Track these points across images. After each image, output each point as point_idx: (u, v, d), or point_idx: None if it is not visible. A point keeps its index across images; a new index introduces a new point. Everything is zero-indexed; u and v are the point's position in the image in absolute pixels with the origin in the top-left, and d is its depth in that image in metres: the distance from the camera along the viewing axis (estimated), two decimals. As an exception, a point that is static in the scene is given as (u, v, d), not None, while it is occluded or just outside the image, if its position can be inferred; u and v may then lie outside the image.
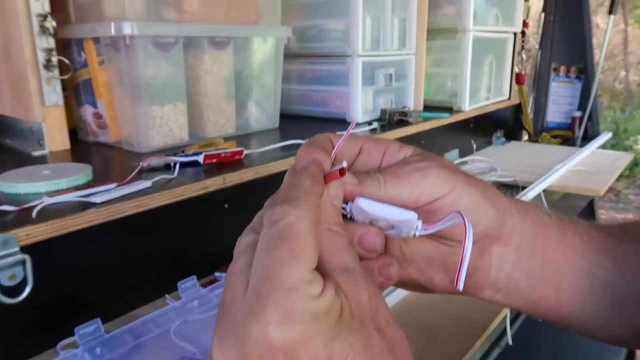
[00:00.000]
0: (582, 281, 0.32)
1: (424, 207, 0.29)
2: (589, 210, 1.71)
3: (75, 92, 0.91)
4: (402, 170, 0.29)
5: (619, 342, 0.33)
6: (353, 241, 0.28)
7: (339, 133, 0.30)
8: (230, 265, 0.26)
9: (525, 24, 1.64)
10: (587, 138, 1.69)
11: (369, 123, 1.12)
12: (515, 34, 1.62)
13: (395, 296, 0.62)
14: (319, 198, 0.26)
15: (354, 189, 0.28)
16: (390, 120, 1.15)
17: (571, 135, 1.73)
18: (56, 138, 0.84)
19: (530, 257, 0.32)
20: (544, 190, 1.11)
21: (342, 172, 0.26)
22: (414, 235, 0.28)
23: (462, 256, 0.26)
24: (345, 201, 0.28)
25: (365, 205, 0.28)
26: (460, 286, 0.26)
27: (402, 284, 0.33)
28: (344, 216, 0.28)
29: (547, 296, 0.32)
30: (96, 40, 0.83)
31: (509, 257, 0.32)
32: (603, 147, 1.60)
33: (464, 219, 0.26)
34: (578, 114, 1.72)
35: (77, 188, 0.61)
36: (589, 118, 1.71)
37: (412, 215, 0.28)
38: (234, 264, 0.26)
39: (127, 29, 0.75)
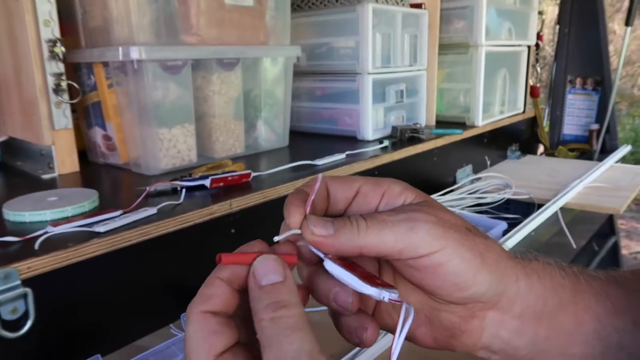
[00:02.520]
0: (593, 347, 0.29)
1: (407, 262, 0.27)
2: (608, 224, 1.67)
3: (85, 114, 0.92)
4: (391, 217, 0.27)
5: None
6: (328, 297, 0.28)
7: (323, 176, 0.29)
8: None
9: (539, 37, 1.62)
10: (605, 151, 1.65)
11: (380, 141, 1.10)
12: (529, 46, 1.59)
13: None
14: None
15: (323, 241, 0.27)
16: (402, 137, 1.13)
17: (589, 148, 1.70)
18: (66, 161, 0.84)
19: (535, 324, 0.29)
20: (562, 208, 1.08)
21: (218, 259, 0.26)
22: (384, 300, 0.26)
23: (393, 338, 0.25)
24: (324, 253, 0.27)
25: (330, 268, 0.27)
26: None
27: (386, 329, 0.31)
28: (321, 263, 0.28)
29: None
30: (105, 64, 0.84)
31: (507, 325, 0.29)
32: (622, 158, 1.56)
33: (402, 310, 0.25)
34: (595, 126, 1.69)
35: (83, 216, 0.61)
36: (607, 131, 1.67)
37: (372, 291, 0.26)
38: None
39: (135, 53, 0.75)
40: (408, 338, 0.30)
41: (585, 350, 0.29)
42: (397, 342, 0.25)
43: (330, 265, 0.27)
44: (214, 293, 0.26)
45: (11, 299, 0.48)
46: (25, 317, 0.49)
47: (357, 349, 0.56)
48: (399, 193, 0.29)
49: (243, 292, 0.27)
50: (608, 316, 0.29)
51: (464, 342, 0.30)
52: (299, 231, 0.27)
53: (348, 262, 0.28)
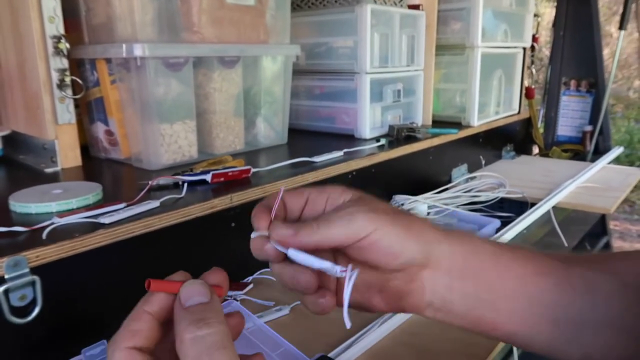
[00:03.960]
0: (518, 301, 0.34)
1: (355, 244, 0.33)
2: (601, 224, 1.70)
3: (88, 110, 0.93)
4: (333, 215, 0.34)
5: None
6: (293, 282, 0.34)
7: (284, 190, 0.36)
8: None
9: (535, 39, 1.64)
10: (599, 152, 1.68)
11: (377, 139, 1.12)
12: (524, 48, 1.62)
13: (398, 319, 0.62)
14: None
15: (287, 239, 0.33)
16: (399, 136, 1.15)
17: (582, 149, 1.72)
18: (68, 155, 0.86)
19: (461, 280, 0.35)
20: (555, 207, 1.11)
21: (147, 284, 0.30)
22: (337, 274, 0.33)
23: (343, 299, 0.32)
24: (286, 248, 0.34)
25: (293, 255, 0.33)
26: (347, 324, 0.33)
27: (349, 306, 0.36)
28: (287, 258, 0.34)
29: (484, 315, 0.35)
30: (108, 60, 0.85)
31: (440, 281, 0.35)
32: (617, 159, 1.58)
33: (347, 273, 0.33)
34: (589, 128, 1.71)
35: (87, 208, 0.62)
36: (600, 132, 1.70)
37: (328, 266, 0.33)
38: None
39: (139, 50, 0.77)
40: (367, 308, 0.37)
41: (511, 305, 0.34)
42: (347, 291, 0.32)
43: (292, 253, 0.33)
44: (141, 327, 0.28)
45: (20, 286, 0.49)
46: (33, 304, 0.51)
47: (349, 341, 0.58)
48: (339, 195, 0.36)
49: (168, 325, 0.29)
50: (528, 276, 0.34)
51: (411, 303, 0.36)
52: (266, 233, 0.34)
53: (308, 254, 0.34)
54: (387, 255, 0.33)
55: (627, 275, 0.34)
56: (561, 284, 0.34)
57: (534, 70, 1.71)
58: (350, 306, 0.33)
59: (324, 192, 0.36)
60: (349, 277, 0.32)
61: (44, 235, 0.54)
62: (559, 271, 0.34)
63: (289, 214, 0.37)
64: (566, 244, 0.97)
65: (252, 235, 0.35)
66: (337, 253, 0.36)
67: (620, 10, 1.61)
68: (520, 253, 0.35)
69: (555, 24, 1.77)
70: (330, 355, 0.55)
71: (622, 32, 1.56)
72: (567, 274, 0.34)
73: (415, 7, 1.26)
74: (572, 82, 1.75)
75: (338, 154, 0.97)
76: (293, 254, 0.33)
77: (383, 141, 1.11)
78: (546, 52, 2.31)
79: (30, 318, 0.51)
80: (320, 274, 0.34)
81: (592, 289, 0.33)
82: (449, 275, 0.35)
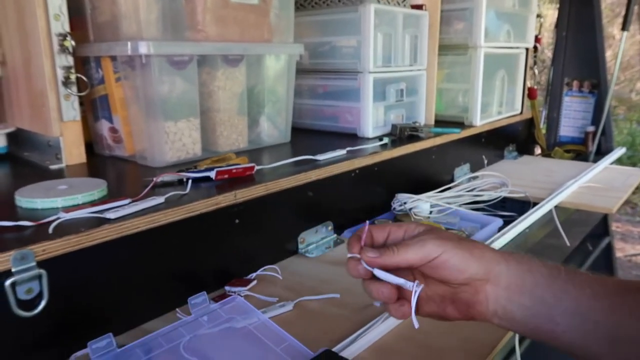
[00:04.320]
0: (574, 319, 0.39)
1: (427, 264, 0.43)
2: (602, 225, 1.70)
3: (92, 107, 0.94)
4: (410, 241, 0.44)
5: None
6: (378, 294, 0.45)
7: (378, 221, 0.48)
8: None
9: (537, 39, 1.65)
10: (601, 153, 1.68)
11: (380, 138, 1.12)
12: (527, 49, 1.62)
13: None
14: None
15: (373, 260, 0.44)
16: (401, 135, 1.16)
17: (584, 149, 1.72)
18: (73, 152, 0.87)
19: (519, 294, 0.42)
20: (557, 207, 1.11)
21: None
22: (409, 288, 0.44)
23: (411, 306, 0.43)
24: (372, 267, 0.45)
25: (378, 273, 0.45)
26: (415, 324, 0.43)
27: (428, 315, 0.46)
28: (374, 276, 0.45)
29: (542, 326, 0.41)
30: (113, 58, 0.86)
31: (500, 294, 0.43)
32: (619, 160, 1.58)
33: (414, 286, 0.43)
34: (591, 128, 1.71)
35: (93, 203, 0.63)
36: (603, 133, 1.70)
37: (402, 282, 0.44)
38: None
39: (144, 48, 0.78)
40: (444, 317, 0.46)
41: (568, 321, 0.39)
42: (413, 300, 0.43)
43: (377, 272, 0.44)
44: None
45: (27, 279, 0.50)
46: (39, 297, 0.51)
47: (353, 336, 0.58)
48: (415, 227, 0.46)
49: None
50: (584, 298, 0.39)
51: (478, 311, 0.44)
52: (358, 255, 0.45)
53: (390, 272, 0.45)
54: (454, 272, 0.42)
55: None
56: (617, 306, 0.38)
57: (536, 71, 1.71)
58: (429, 315, 0.45)
59: (402, 226, 0.47)
60: (415, 290, 0.43)
61: (50, 230, 0.54)
62: (615, 295, 0.39)
63: (375, 243, 0.47)
64: (568, 244, 0.97)
65: (348, 255, 0.46)
66: (415, 272, 0.45)
67: (623, 12, 1.61)
68: (577, 277, 0.41)
69: (558, 24, 1.77)
70: (334, 350, 0.55)
71: (625, 33, 1.56)
72: (623, 297, 0.39)
73: (419, 7, 1.26)
74: (575, 83, 1.76)
75: (341, 152, 0.97)
76: (378, 272, 0.44)
77: (386, 140, 1.11)
78: (549, 54, 2.31)
79: (36, 311, 0.51)
80: (399, 288, 0.44)
81: None
82: (508, 290, 0.42)
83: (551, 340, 0.41)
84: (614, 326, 0.38)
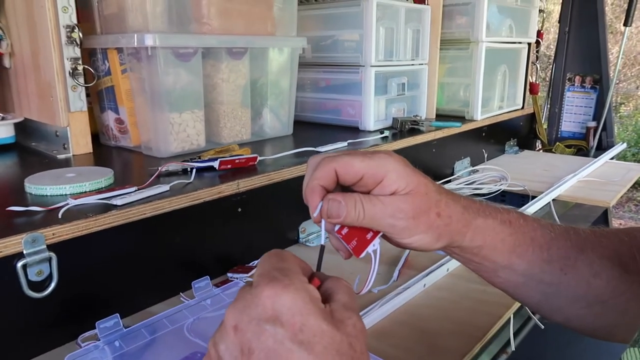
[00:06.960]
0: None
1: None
2: (603, 220, 1.70)
3: (99, 98, 0.96)
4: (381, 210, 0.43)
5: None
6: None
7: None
8: None
9: (539, 34, 1.65)
10: (602, 148, 1.69)
11: (381, 131, 1.14)
12: (529, 44, 1.63)
13: (399, 300, 0.64)
14: None
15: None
16: (402, 128, 1.17)
17: (585, 145, 1.73)
18: (80, 142, 0.89)
19: (466, 228, 0.44)
20: (555, 201, 1.12)
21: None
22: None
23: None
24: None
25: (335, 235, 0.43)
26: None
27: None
28: None
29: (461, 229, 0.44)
30: (119, 50, 0.87)
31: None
32: (623, 157, 1.59)
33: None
34: (593, 124, 1.72)
35: (100, 191, 0.65)
36: (604, 128, 1.71)
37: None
38: None
39: (150, 40, 0.79)
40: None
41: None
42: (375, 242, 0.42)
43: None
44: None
45: (37, 261, 0.52)
46: (49, 279, 0.53)
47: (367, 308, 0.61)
48: (392, 182, 0.44)
49: None
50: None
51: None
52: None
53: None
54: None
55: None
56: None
57: (538, 66, 1.72)
58: None
59: (378, 175, 0.43)
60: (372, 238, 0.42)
61: (59, 215, 0.56)
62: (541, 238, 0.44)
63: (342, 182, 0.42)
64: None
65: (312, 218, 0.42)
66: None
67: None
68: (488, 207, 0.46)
69: (561, 20, 1.77)
70: (332, 333, 0.57)
71: (627, 28, 1.57)
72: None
73: (421, 1, 1.28)
74: (577, 78, 1.76)
75: (342, 144, 0.99)
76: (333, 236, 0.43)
77: (387, 133, 1.12)
78: (553, 48, 2.31)
79: (46, 293, 0.53)
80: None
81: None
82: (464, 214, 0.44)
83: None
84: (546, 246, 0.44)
